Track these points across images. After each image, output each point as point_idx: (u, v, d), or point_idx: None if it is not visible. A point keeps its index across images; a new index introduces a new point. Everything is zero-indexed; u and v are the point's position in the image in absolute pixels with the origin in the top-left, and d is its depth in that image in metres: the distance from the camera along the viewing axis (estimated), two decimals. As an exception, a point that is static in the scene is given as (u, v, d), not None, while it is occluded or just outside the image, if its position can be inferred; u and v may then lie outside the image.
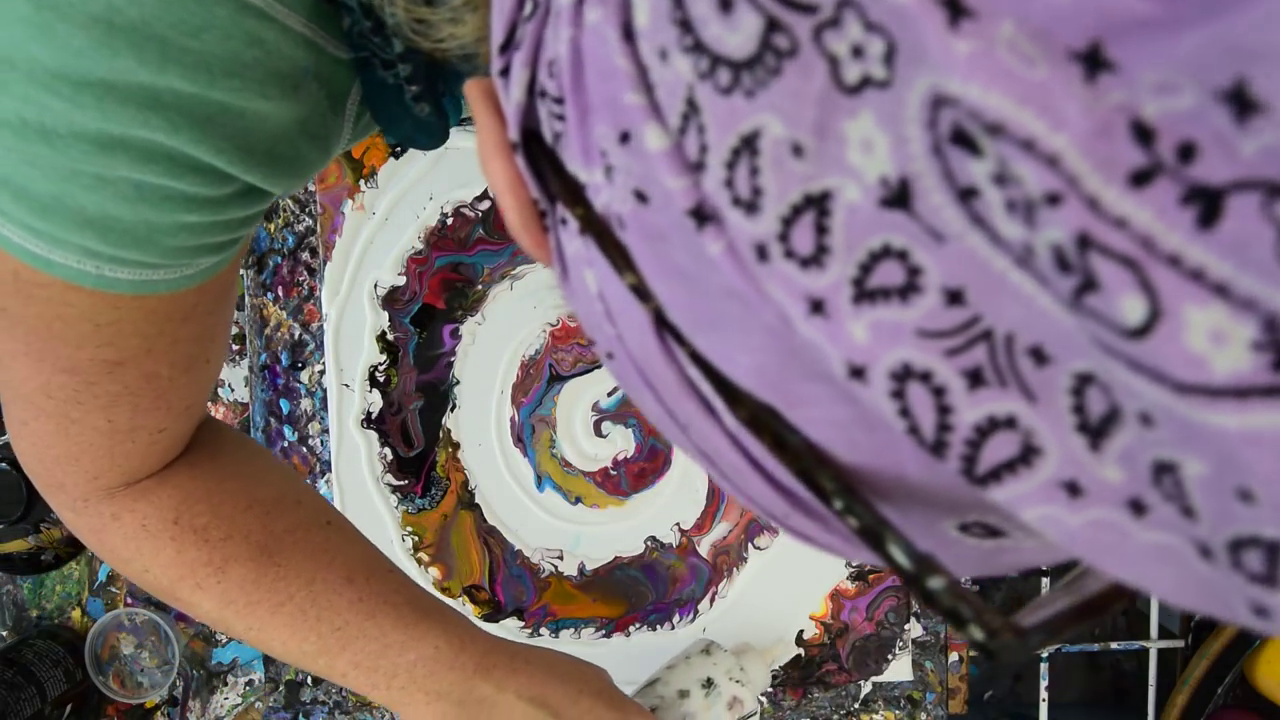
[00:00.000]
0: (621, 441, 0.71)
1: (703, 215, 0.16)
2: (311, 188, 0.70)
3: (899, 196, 0.14)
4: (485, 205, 0.70)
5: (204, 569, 0.42)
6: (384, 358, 0.70)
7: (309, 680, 0.72)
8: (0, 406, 0.38)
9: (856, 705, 0.72)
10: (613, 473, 0.71)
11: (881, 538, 0.16)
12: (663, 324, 0.19)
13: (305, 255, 0.70)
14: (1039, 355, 0.14)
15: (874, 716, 0.72)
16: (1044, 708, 0.77)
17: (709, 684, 0.55)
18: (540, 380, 0.71)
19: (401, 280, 0.70)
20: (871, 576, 0.71)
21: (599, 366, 0.71)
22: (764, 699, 0.54)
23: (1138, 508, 0.14)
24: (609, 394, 0.71)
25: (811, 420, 0.17)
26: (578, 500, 0.71)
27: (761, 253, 0.16)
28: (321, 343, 0.70)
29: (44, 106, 0.26)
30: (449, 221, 0.70)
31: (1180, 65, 0.11)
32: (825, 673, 0.71)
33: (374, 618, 0.44)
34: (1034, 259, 0.13)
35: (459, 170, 0.70)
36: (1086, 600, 0.18)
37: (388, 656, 0.44)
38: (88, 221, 0.29)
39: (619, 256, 0.19)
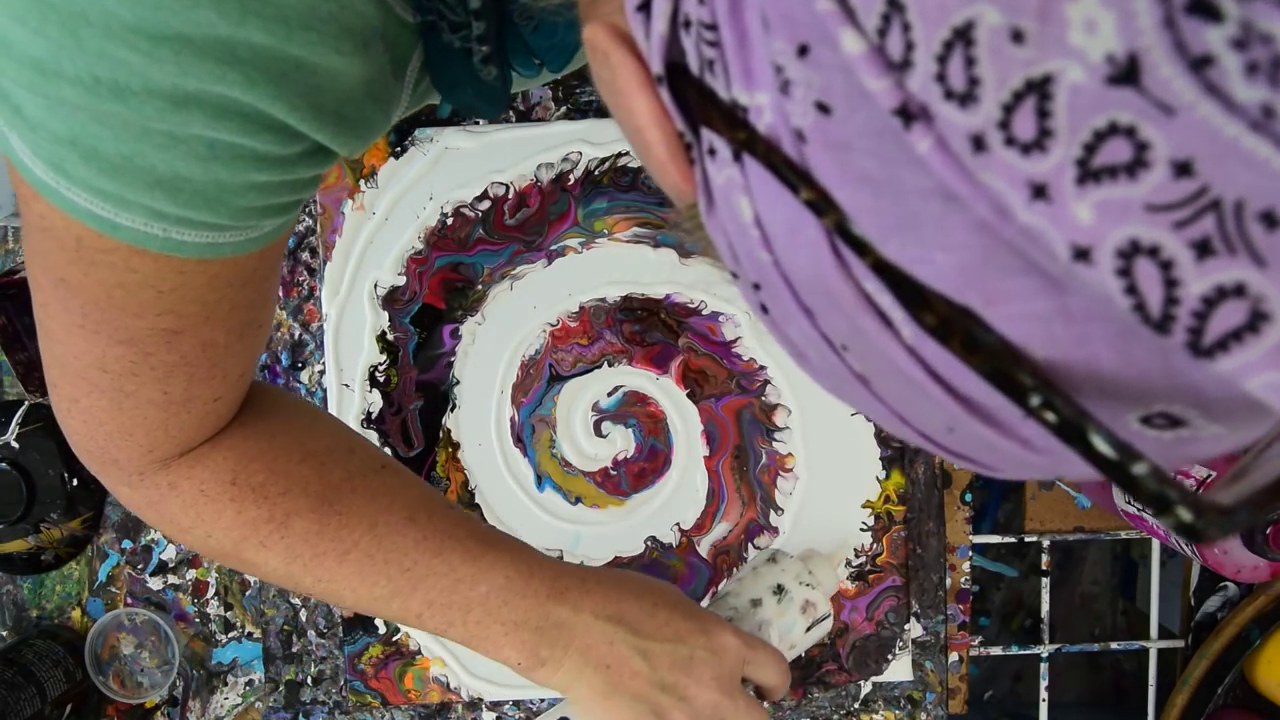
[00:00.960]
0: (621, 441, 0.71)
1: (909, 114, 0.17)
2: (311, 188, 0.70)
3: (1126, 73, 0.14)
4: (485, 205, 0.70)
5: (266, 526, 0.42)
6: (384, 358, 0.70)
7: (309, 680, 0.72)
8: (47, 387, 0.38)
9: (856, 705, 0.72)
10: (613, 473, 0.71)
11: (1083, 429, 0.17)
12: (843, 236, 0.19)
13: (305, 255, 0.70)
14: (1270, 219, 0.14)
15: (874, 716, 0.72)
16: (1044, 708, 0.77)
17: (780, 590, 0.55)
18: (540, 380, 0.71)
19: (401, 280, 0.70)
20: (871, 577, 0.71)
21: (599, 366, 0.71)
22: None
23: None
24: (609, 394, 0.71)
25: (1009, 317, 0.18)
26: (578, 500, 0.71)
27: (978, 143, 0.16)
28: (321, 343, 0.70)
29: (120, 62, 0.26)
30: (449, 221, 0.70)
31: None
32: (825, 673, 0.71)
33: (441, 554, 0.44)
34: (1273, 119, 0.13)
35: (459, 170, 0.70)
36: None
37: (460, 591, 0.44)
38: (158, 181, 0.28)
39: (792, 173, 0.19)
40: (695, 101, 0.21)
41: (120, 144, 0.27)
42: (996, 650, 0.76)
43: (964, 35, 0.16)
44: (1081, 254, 0.16)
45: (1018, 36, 0.15)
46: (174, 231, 0.30)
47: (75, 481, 0.71)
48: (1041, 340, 0.18)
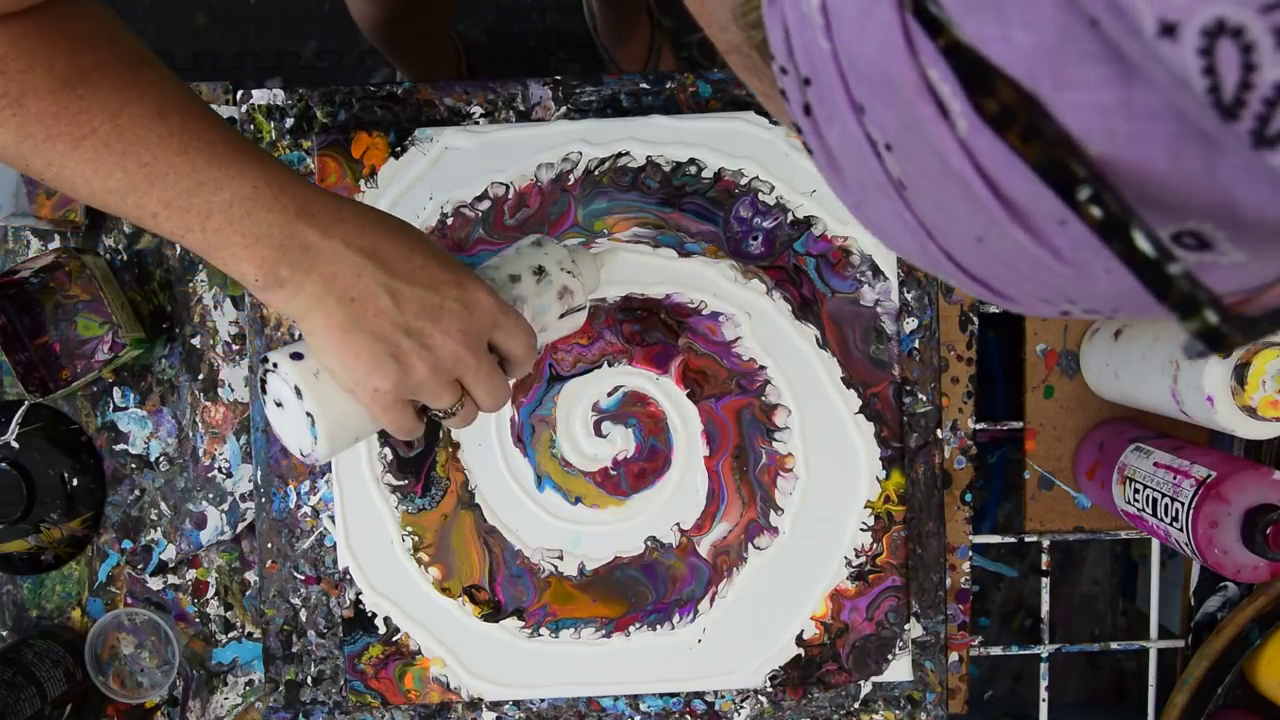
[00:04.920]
0: (621, 441, 0.71)
1: None
2: (311, 188, 0.70)
3: None
4: (485, 205, 0.70)
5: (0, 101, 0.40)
6: (384, 358, 0.70)
7: (309, 680, 0.72)
8: None
9: (856, 705, 0.72)
10: (613, 473, 0.71)
11: (1126, 224, 0.17)
12: (918, 16, 0.19)
13: (305, 255, 0.70)
14: None
15: (874, 716, 0.72)
16: (1044, 708, 0.77)
17: (540, 271, 0.55)
18: (540, 380, 0.71)
19: (401, 280, 0.70)
20: (871, 577, 0.71)
21: (599, 366, 0.71)
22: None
23: None
24: (609, 394, 0.71)
25: (1075, 105, 0.18)
26: (578, 500, 0.71)
27: None
28: (321, 343, 0.70)
29: None
30: (449, 221, 0.70)
31: None
32: (825, 673, 0.71)
33: (186, 154, 0.42)
34: None
35: (459, 170, 0.70)
36: None
37: (201, 195, 0.42)
38: None
39: None
40: None
41: None
42: (996, 650, 0.76)
43: None
44: (1168, 29, 0.16)
45: None
46: None
47: (75, 481, 0.71)
48: (1100, 134, 0.18)
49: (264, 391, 0.49)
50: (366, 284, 0.44)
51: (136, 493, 0.73)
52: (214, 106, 0.72)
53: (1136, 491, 0.66)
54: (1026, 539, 0.76)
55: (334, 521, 0.71)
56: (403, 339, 0.44)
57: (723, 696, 0.72)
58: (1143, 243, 0.17)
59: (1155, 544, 0.75)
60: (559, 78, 0.71)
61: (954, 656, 0.73)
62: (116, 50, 0.43)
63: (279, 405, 0.48)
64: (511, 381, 0.51)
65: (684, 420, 0.71)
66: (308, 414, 0.46)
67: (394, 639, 0.71)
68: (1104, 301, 0.21)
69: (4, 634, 0.73)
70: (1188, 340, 0.17)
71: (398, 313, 0.44)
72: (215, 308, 0.73)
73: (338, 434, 0.47)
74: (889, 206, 0.22)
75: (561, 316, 0.56)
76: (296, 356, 0.47)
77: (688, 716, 0.72)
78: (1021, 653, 0.77)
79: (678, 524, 0.71)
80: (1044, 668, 0.76)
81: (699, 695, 0.72)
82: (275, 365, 0.47)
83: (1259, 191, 0.17)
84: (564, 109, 0.71)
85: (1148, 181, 0.18)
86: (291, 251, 0.43)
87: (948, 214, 0.21)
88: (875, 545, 0.71)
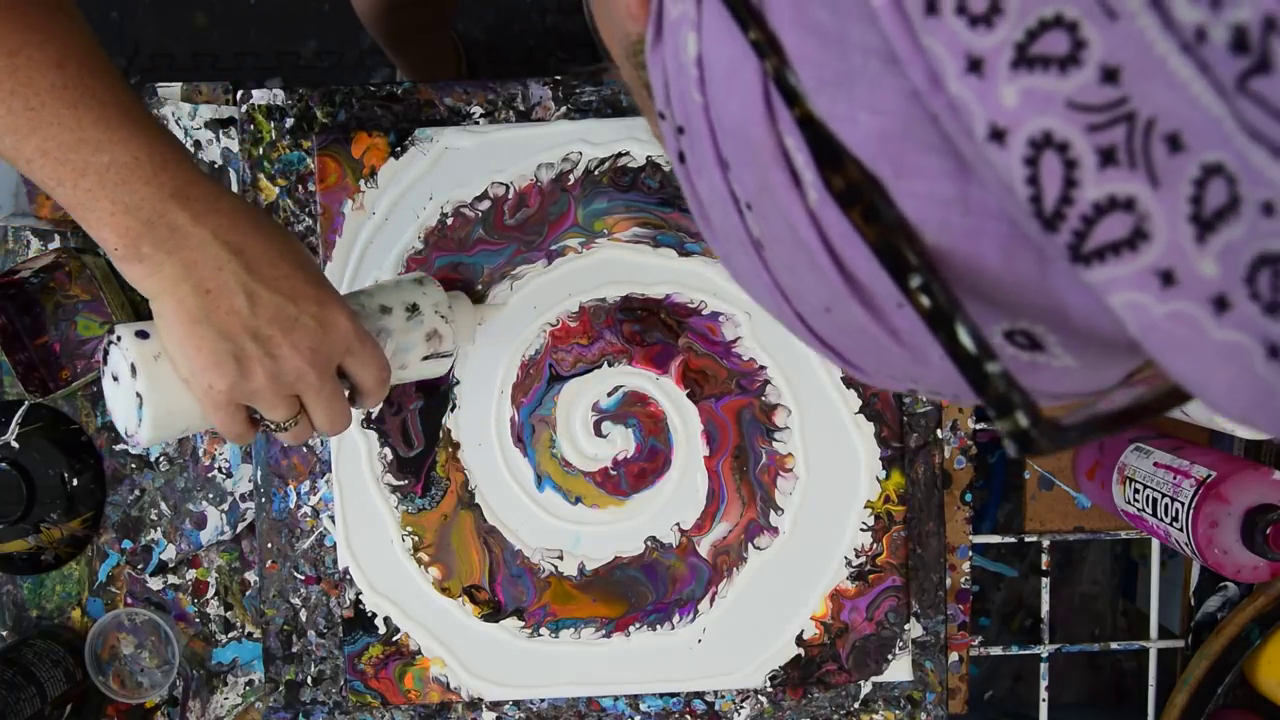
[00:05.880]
0: (621, 441, 0.71)
1: None
2: (311, 188, 0.70)
3: None
4: (485, 205, 0.70)
5: None
6: (384, 358, 0.70)
7: (309, 680, 0.72)
8: None
9: (856, 705, 0.72)
10: (613, 473, 0.71)
11: (951, 317, 0.17)
12: (777, 84, 0.19)
13: (305, 255, 0.70)
14: (1174, 142, 0.15)
15: (874, 716, 0.72)
16: (1044, 708, 0.77)
17: (414, 309, 0.54)
18: (540, 380, 0.71)
19: (401, 280, 0.70)
20: (871, 577, 0.71)
21: (599, 366, 0.71)
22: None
23: (1221, 304, 0.15)
24: (609, 394, 0.71)
25: (913, 194, 0.18)
26: (578, 500, 0.71)
27: (931, 6, 0.16)
28: (321, 343, 0.70)
29: None
30: (449, 221, 0.70)
31: None
32: (825, 673, 0.71)
33: (75, 108, 0.41)
34: (1203, 44, 0.14)
35: (459, 170, 0.70)
36: (1124, 408, 0.19)
37: (80, 152, 0.41)
38: None
39: (746, 11, 0.19)
40: None
41: None
42: (996, 650, 0.76)
43: None
44: (997, 134, 0.16)
45: None
46: None
47: (75, 481, 0.71)
48: (936, 225, 0.18)
49: (105, 362, 0.48)
50: (225, 279, 0.43)
51: (136, 493, 0.73)
52: (214, 107, 0.72)
53: (1136, 491, 0.66)
54: (1026, 539, 0.76)
55: (334, 521, 0.71)
56: (249, 342, 0.44)
57: (723, 696, 0.72)
58: (965, 338, 0.17)
59: (1155, 544, 0.75)
60: (559, 77, 0.71)
61: (954, 656, 0.73)
62: None
63: (115, 379, 0.47)
64: (359, 412, 0.50)
65: (684, 420, 0.71)
66: (138, 394, 0.46)
67: (394, 639, 0.71)
68: (943, 386, 0.21)
69: (4, 634, 0.73)
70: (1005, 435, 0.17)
71: (250, 315, 0.43)
72: (215, 308, 0.73)
73: (164, 421, 0.46)
74: (750, 264, 0.22)
75: (425, 359, 0.55)
76: (142, 335, 0.46)
77: (688, 716, 0.72)
78: (1021, 653, 0.77)
79: (678, 524, 0.71)
80: (1044, 668, 0.76)
81: (699, 695, 0.72)
82: (119, 338, 0.46)
83: (1086, 302, 0.17)
84: (564, 109, 0.71)
85: (981, 277, 0.18)
86: (158, 229, 0.42)
87: (799, 280, 0.21)
88: (875, 545, 0.71)
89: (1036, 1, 0.15)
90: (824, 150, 0.18)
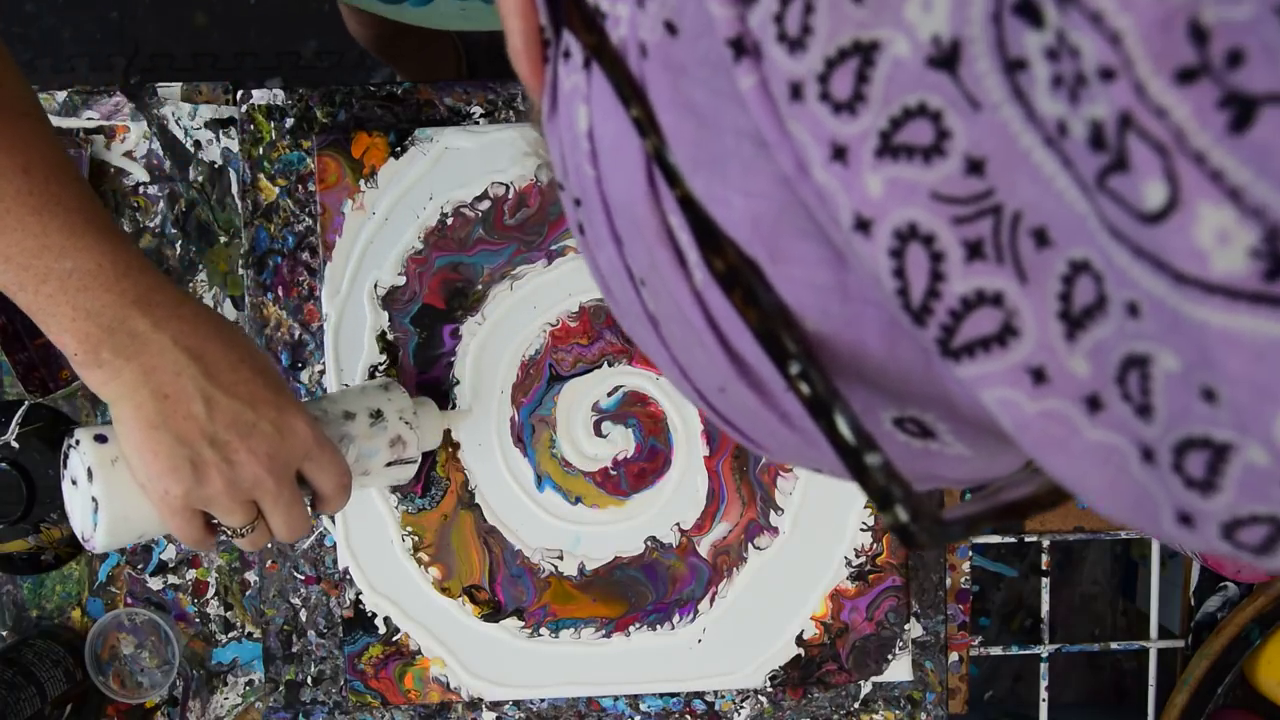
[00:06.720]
0: (621, 441, 0.71)
1: (742, 47, 0.16)
2: (311, 188, 0.70)
3: (947, 58, 0.14)
4: (485, 205, 0.70)
5: None
6: (384, 358, 0.70)
7: (309, 680, 0.72)
8: None
9: (856, 705, 0.72)
10: (613, 473, 0.71)
11: (829, 407, 0.17)
12: (658, 163, 0.18)
13: (305, 255, 0.70)
14: (1041, 237, 0.14)
15: (874, 716, 0.72)
16: (1044, 708, 0.77)
17: (377, 415, 0.54)
18: (540, 380, 0.71)
19: (401, 280, 0.70)
20: (871, 577, 0.71)
21: (599, 366, 0.71)
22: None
23: (1094, 404, 0.15)
24: (609, 394, 0.71)
25: (790, 279, 0.17)
26: (578, 500, 0.71)
27: (796, 92, 0.16)
28: (321, 342, 0.70)
29: None
30: (449, 221, 0.70)
31: None
32: (825, 673, 0.71)
33: (40, 214, 0.42)
34: (1065, 138, 0.13)
35: (459, 170, 0.70)
36: (1010, 503, 0.18)
37: (44, 258, 0.41)
38: None
39: (629, 87, 0.19)
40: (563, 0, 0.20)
41: None
42: (996, 650, 0.76)
43: None
44: (863, 225, 0.16)
45: None
46: None
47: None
48: (816, 312, 0.18)
49: (64, 465, 0.48)
50: (184, 384, 0.43)
51: (136, 493, 0.73)
52: (214, 106, 0.72)
53: (1136, 491, 0.66)
54: (1026, 539, 0.76)
55: (334, 521, 0.71)
56: (206, 448, 0.44)
57: (723, 696, 0.72)
58: (844, 428, 0.16)
59: (1155, 544, 0.75)
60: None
61: (954, 656, 0.73)
62: (1, 94, 0.43)
63: (74, 483, 0.47)
64: (323, 515, 0.49)
65: (684, 420, 0.71)
66: (93, 499, 0.45)
67: (394, 639, 0.71)
68: (840, 471, 0.20)
69: (4, 634, 0.73)
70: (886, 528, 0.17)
71: (208, 420, 0.43)
72: (215, 308, 0.73)
73: (119, 527, 0.46)
74: (650, 339, 0.22)
75: (389, 464, 0.55)
76: (100, 439, 0.46)
77: (688, 716, 0.72)
78: (1021, 653, 0.77)
79: (678, 524, 0.71)
80: (1044, 668, 0.76)
81: (699, 695, 0.72)
82: (77, 442, 0.46)
83: (967, 392, 0.17)
84: (564, 109, 0.71)
85: (865, 364, 0.18)
86: (118, 336, 0.43)
87: (693, 359, 0.21)
88: (875, 545, 0.71)
89: (900, 90, 0.15)
90: (704, 231, 0.18)
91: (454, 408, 0.71)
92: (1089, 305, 0.14)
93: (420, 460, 0.54)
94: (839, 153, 0.16)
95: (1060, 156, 0.14)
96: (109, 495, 0.45)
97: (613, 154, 0.20)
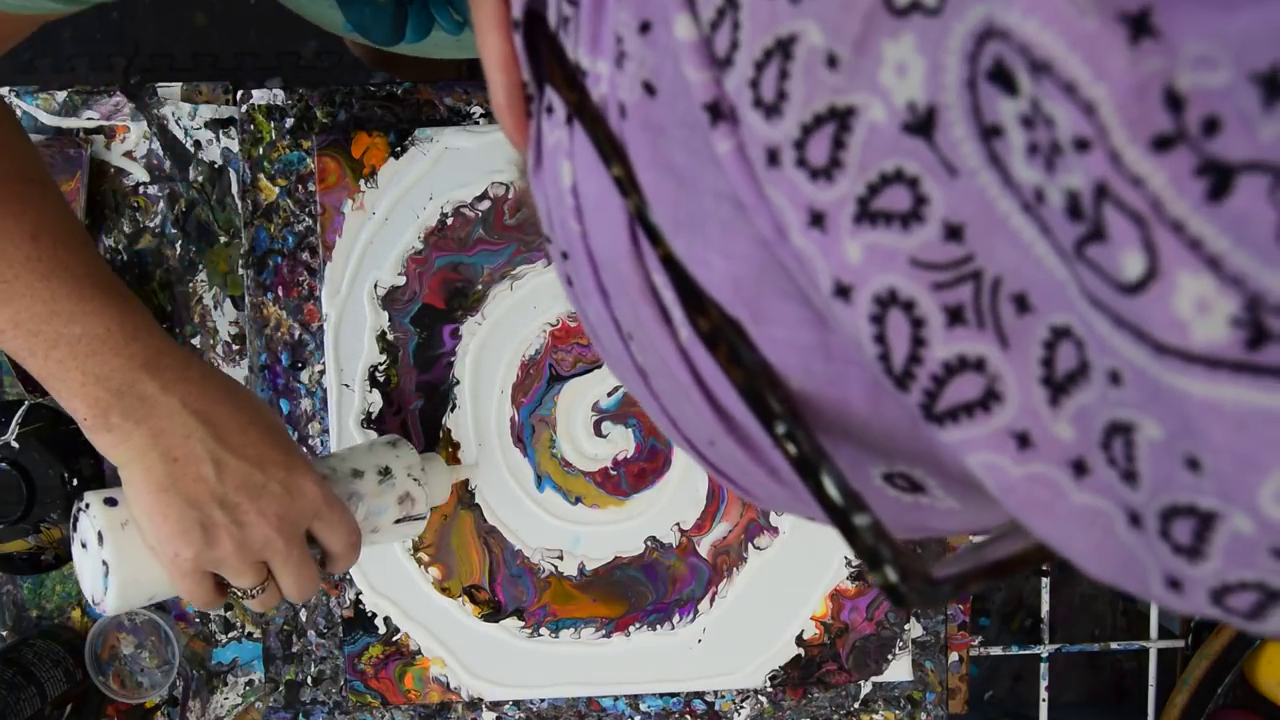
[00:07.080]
0: (621, 441, 0.71)
1: (718, 112, 0.16)
2: (311, 188, 0.70)
3: (922, 124, 0.14)
4: (485, 205, 0.70)
5: None
6: (384, 358, 0.70)
7: (309, 680, 0.72)
8: None
9: (856, 705, 0.72)
10: (613, 473, 0.71)
11: (816, 467, 0.17)
12: (640, 222, 0.18)
13: (305, 255, 0.70)
14: (1022, 303, 0.14)
15: (874, 716, 0.72)
16: (1044, 708, 0.77)
17: (385, 472, 0.54)
18: (540, 380, 0.71)
19: (401, 280, 0.70)
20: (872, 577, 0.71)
21: (599, 366, 0.71)
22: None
23: (1079, 468, 0.15)
24: (609, 394, 0.71)
25: (773, 340, 0.17)
26: (578, 500, 0.71)
27: (772, 157, 0.16)
28: (321, 342, 0.70)
29: None
30: (449, 221, 0.70)
31: (1225, 43, 0.11)
32: (825, 673, 0.71)
33: (48, 280, 0.42)
34: (1042, 205, 0.13)
35: (459, 170, 0.70)
36: (998, 561, 0.18)
37: (52, 324, 0.42)
38: None
39: (610, 147, 0.19)
40: (545, 55, 0.20)
41: None
42: (996, 650, 0.76)
43: (785, 47, 0.15)
44: (842, 291, 0.16)
45: (832, 61, 0.15)
46: None
47: (75, 481, 0.71)
48: (799, 371, 0.18)
49: (74, 529, 0.48)
50: (193, 447, 0.43)
51: (136, 493, 0.73)
52: (214, 106, 0.72)
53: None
54: (1026, 539, 0.76)
55: (334, 521, 0.71)
56: (215, 510, 0.44)
57: (723, 696, 0.72)
58: (831, 489, 0.16)
59: (1155, 544, 0.75)
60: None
61: (954, 656, 0.73)
62: (8, 161, 0.43)
63: (84, 546, 0.47)
64: (334, 574, 0.50)
65: (684, 420, 0.71)
66: (104, 562, 0.46)
67: (394, 639, 0.71)
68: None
69: (4, 634, 0.73)
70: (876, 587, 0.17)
71: (217, 482, 0.44)
72: (215, 308, 0.73)
73: (130, 590, 0.47)
74: (641, 391, 0.22)
75: (398, 521, 0.55)
76: (110, 502, 0.46)
77: (688, 716, 0.72)
78: (1021, 653, 0.77)
79: (678, 524, 0.71)
80: (1044, 668, 0.76)
81: (699, 695, 0.72)
82: (88, 506, 0.47)
83: (952, 454, 0.17)
84: (564, 109, 0.71)
85: (851, 422, 0.18)
86: (127, 399, 0.43)
87: (682, 412, 0.21)
88: (875, 545, 0.71)
89: (876, 156, 0.15)
90: (687, 291, 0.18)
91: (454, 410, 0.71)
92: (1071, 371, 0.14)
93: (429, 516, 0.54)
94: (817, 219, 0.15)
95: (1038, 223, 0.14)
96: (119, 559, 0.46)
97: (596, 211, 0.19)
